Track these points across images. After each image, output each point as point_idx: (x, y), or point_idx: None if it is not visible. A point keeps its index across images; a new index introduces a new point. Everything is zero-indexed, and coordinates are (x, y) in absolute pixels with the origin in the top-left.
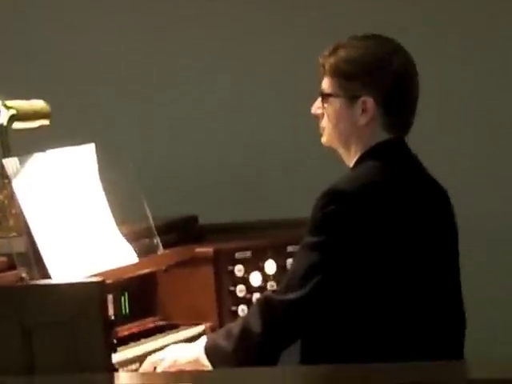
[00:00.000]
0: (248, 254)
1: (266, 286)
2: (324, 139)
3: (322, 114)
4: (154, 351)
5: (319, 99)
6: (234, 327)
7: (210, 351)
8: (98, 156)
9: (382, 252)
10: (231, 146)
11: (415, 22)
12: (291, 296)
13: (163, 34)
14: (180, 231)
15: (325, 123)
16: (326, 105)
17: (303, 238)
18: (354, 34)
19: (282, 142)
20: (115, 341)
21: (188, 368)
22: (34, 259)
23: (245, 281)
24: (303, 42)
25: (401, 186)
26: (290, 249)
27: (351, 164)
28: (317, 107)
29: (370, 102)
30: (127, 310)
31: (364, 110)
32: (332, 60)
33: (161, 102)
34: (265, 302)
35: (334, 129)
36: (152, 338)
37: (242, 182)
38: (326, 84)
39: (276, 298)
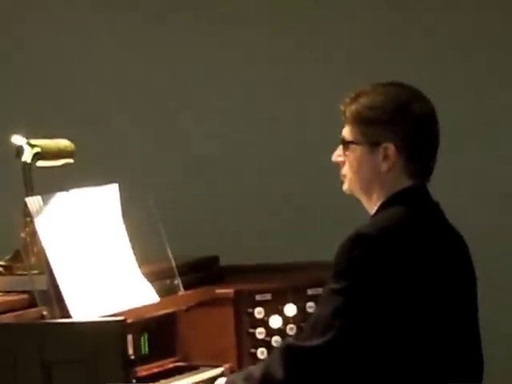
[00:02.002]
0: (268, 296)
1: (285, 328)
2: (345, 187)
3: (343, 162)
4: None
5: (340, 147)
6: (255, 371)
7: None
8: (121, 196)
9: (404, 297)
10: (252, 190)
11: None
12: (314, 343)
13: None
14: (201, 272)
15: (346, 170)
16: (347, 152)
17: (327, 283)
18: (376, 82)
19: (302, 187)
20: (134, 380)
21: None
22: (54, 297)
23: (264, 323)
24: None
25: (422, 233)
26: (310, 292)
27: (373, 211)
28: (338, 155)
29: (391, 148)
30: (147, 350)
31: (385, 157)
32: (353, 107)
33: (186, 143)
34: (287, 349)
35: (356, 176)
36: (171, 378)
37: (263, 225)
38: (347, 131)
39: (299, 344)
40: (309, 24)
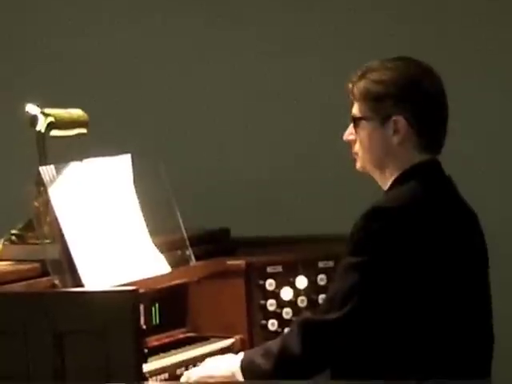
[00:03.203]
0: (279, 268)
1: (296, 300)
2: (358, 164)
3: (355, 140)
4: (184, 362)
5: (351, 125)
6: (273, 346)
7: (246, 368)
8: (133, 166)
9: (420, 271)
10: (266, 161)
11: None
12: (333, 316)
13: (202, 46)
14: (212, 244)
15: (357, 148)
16: (358, 129)
17: (344, 258)
18: (382, 58)
19: (318, 158)
20: (145, 351)
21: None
22: (67, 266)
23: (275, 295)
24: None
25: (437, 207)
26: (321, 264)
27: (386, 186)
28: (349, 133)
29: (401, 121)
30: (158, 321)
31: (396, 131)
32: (362, 84)
33: (199, 114)
34: (305, 323)
35: (368, 152)
36: (181, 349)
37: (275, 197)
38: (356, 108)
39: (316, 318)
40: None
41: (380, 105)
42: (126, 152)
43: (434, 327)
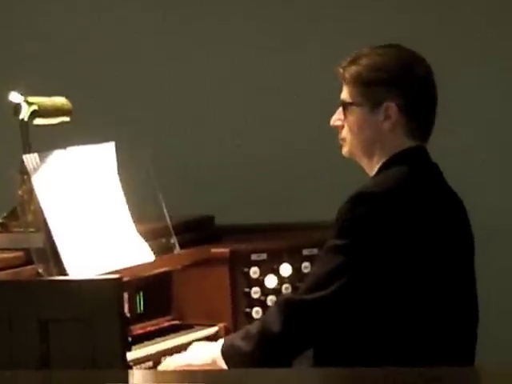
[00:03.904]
0: (264, 256)
1: (280, 288)
2: (345, 150)
3: (342, 126)
4: (168, 350)
5: (339, 110)
6: (252, 328)
7: (227, 352)
8: (117, 154)
9: (404, 256)
10: (250, 148)
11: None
12: (316, 295)
13: (189, 36)
14: (196, 231)
15: (345, 134)
16: (347, 114)
17: (328, 241)
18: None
19: (301, 145)
20: (130, 339)
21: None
22: (51, 255)
23: (260, 283)
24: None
25: (423, 192)
26: (305, 252)
27: (373, 173)
28: (336, 119)
29: (392, 107)
30: (142, 309)
31: (387, 117)
32: (354, 69)
33: (180, 101)
34: (285, 302)
35: (357, 138)
36: (166, 337)
37: (259, 184)
38: (346, 93)
39: (297, 298)
40: None
41: (371, 90)
42: (111, 140)
43: (419, 311)
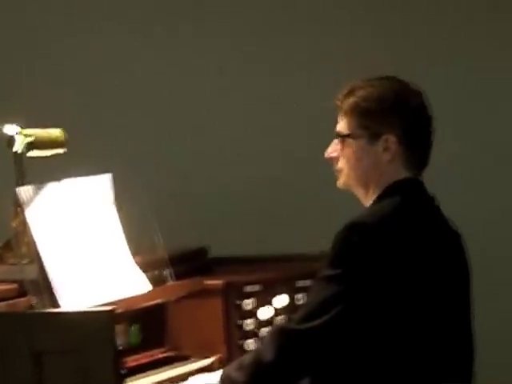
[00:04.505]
0: (257, 287)
1: (274, 320)
2: (341, 181)
3: (337, 157)
4: (163, 382)
5: (334, 142)
6: (247, 358)
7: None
8: (114, 186)
9: (398, 286)
10: (242, 180)
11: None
12: (307, 325)
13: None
14: (190, 263)
15: (342, 165)
16: (344, 146)
17: (321, 270)
18: (367, 77)
19: (294, 177)
20: (124, 371)
21: None
22: (44, 287)
23: (253, 315)
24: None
25: (417, 224)
26: (299, 283)
27: (368, 203)
28: (333, 150)
29: (392, 139)
30: (137, 340)
31: (386, 148)
32: (351, 100)
33: (177, 135)
34: (278, 332)
35: (354, 170)
36: (160, 369)
37: (253, 216)
38: (343, 125)
39: (291, 327)
40: None
41: (369, 122)
42: (107, 172)
43: (413, 342)
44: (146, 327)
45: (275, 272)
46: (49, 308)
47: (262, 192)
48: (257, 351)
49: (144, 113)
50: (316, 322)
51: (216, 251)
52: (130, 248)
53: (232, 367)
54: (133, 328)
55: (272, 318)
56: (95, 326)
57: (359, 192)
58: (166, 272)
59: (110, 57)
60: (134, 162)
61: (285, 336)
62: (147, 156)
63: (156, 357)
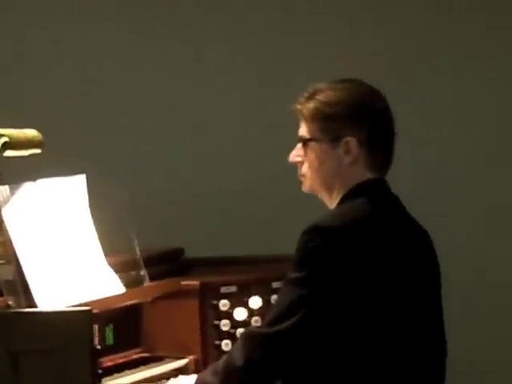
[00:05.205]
0: (233, 288)
1: (250, 321)
2: (305, 185)
3: (301, 162)
4: (138, 383)
5: (298, 146)
6: (220, 363)
7: None
8: (88, 187)
9: (363, 288)
10: (219, 182)
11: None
12: (273, 330)
13: (161, 63)
14: (166, 264)
15: (305, 170)
16: (307, 150)
17: (287, 274)
18: (329, 80)
19: (269, 179)
20: (100, 371)
21: None
22: (20, 287)
23: (229, 315)
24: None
25: (383, 225)
26: (275, 285)
27: (333, 206)
28: (295, 155)
29: (352, 141)
30: (112, 341)
31: (347, 151)
32: (311, 104)
33: (152, 135)
34: (247, 336)
35: (317, 174)
36: (136, 369)
37: (229, 217)
38: (305, 130)
39: (258, 331)
40: None
41: (331, 125)
42: (82, 172)
43: (381, 342)
44: (122, 328)
45: (251, 273)
46: (25, 308)
47: (237, 196)
48: (228, 356)
49: (119, 112)
50: (283, 325)
51: (191, 253)
52: (106, 249)
53: (207, 372)
54: (108, 328)
55: (248, 318)
56: (73, 325)
57: (324, 196)
58: (143, 273)
59: (86, 55)
60: (110, 162)
61: (254, 340)
62: (123, 156)
63: (131, 357)
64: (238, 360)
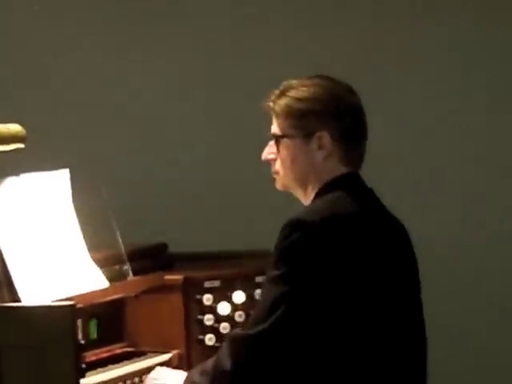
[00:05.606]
0: (217, 283)
1: (234, 315)
2: (279, 183)
3: (274, 159)
4: (122, 377)
5: (270, 143)
6: (208, 364)
7: None
8: (71, 182)
9: (344, 282)
10: (204, 176)
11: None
12: (256, 329)
13: (139, 58)
14: (150, 258)
15: (278, 167)
16: (279, 147)
17: (268, 271)
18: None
19: (254, 174)
20: (83, 365)
21: None
22: (4, 281)
23: (213, 310)
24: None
25: (361, 218)
26: (258, 279)
27: (308, 202)
28: (268, 152)
29: (325, 136)
30: (96, 335)
31: (320, 146)
32: (282, 101)
33: (136, 129)
34: (231, 340)
35: (290, 171)
36: (119, 364)
37: (213, 212)
38: (277, 127)
39: (242, 333)
40: None
41: (303, 121)
42: (64, 167)
43: (363, 339)
44: (106, 322)
45: (234, 268)
46: (8, 302)
47: (221, 189)
48: (217, 357)
49: (104, 108)
50: (265, 325)
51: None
52: (90, 243)
53: (195, 372)
54: (92, 323)
55: (231, 313)
56: (56, 320)
57: (298, 192)
58: (126, 267)
59: (75, 56)
60: (93, 157)
61: (238, 343)
62: (106, 151)
63: (115, 352)
64: (226, 363)
